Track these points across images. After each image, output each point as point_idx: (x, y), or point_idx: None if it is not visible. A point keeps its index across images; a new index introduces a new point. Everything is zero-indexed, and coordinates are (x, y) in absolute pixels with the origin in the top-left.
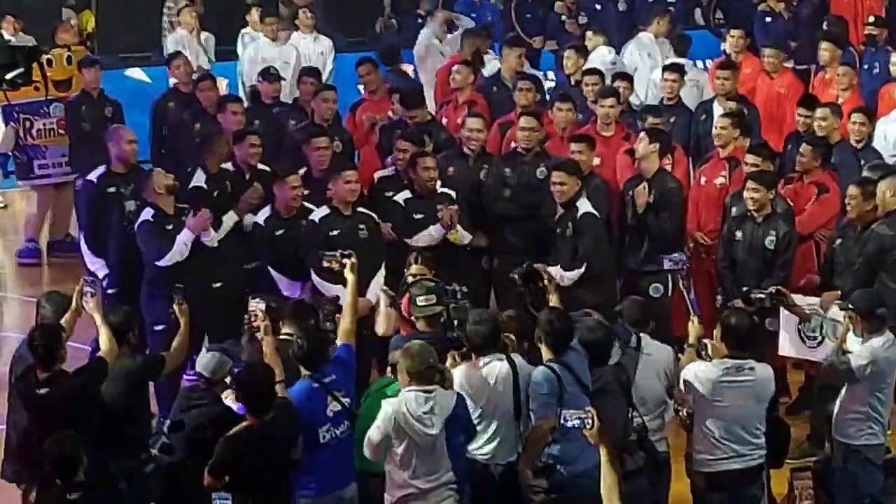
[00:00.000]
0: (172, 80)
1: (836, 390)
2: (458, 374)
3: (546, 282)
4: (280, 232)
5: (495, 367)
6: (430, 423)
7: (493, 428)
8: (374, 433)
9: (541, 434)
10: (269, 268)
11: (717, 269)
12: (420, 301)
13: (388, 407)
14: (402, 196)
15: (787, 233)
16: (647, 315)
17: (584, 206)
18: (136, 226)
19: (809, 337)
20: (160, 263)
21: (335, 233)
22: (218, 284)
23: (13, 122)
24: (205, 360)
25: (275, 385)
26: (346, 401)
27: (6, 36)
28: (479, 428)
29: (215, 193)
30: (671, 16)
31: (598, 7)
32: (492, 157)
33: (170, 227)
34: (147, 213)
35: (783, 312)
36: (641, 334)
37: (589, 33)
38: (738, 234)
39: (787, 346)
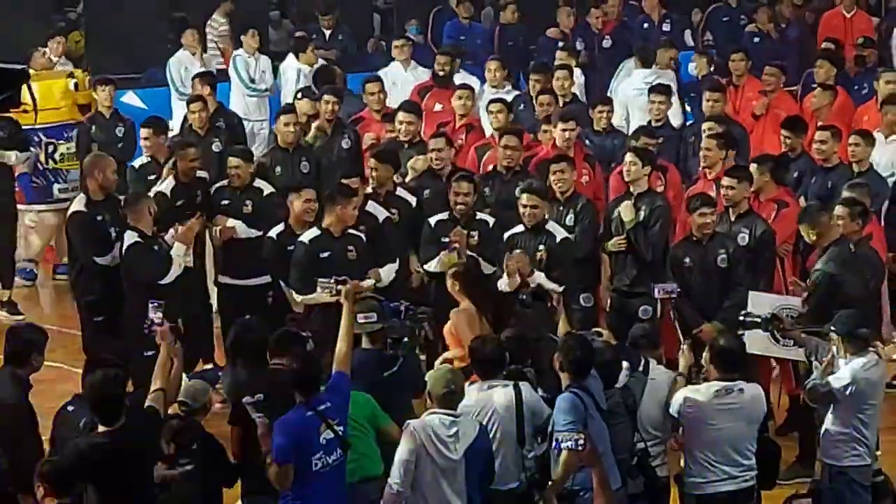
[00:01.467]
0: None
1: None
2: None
3: (555, 303)
4: (292, 247)
5: (500, 393)
6: (453, 447)
7: (495, 454)
8: (402, 452)
9: (572, 462)
10: (280, 282)
11: None
12: (360, 318)
13: (412, 426)
14: (435, 218)
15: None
16: (655, 340)
17: (558, 229)
18: (124, 250)
19: (784, 337)
20: (163, 281)
21: (325, 255)
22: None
23: (34, 147)
24: (186, 388)
25: (124, 392)
26: (339, 429)
27: (53, 58)
28: None
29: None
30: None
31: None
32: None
33: (156, 247)
34: (132, 236)
35: (753, 305)
36: (650, 359)
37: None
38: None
39: (757, 343)
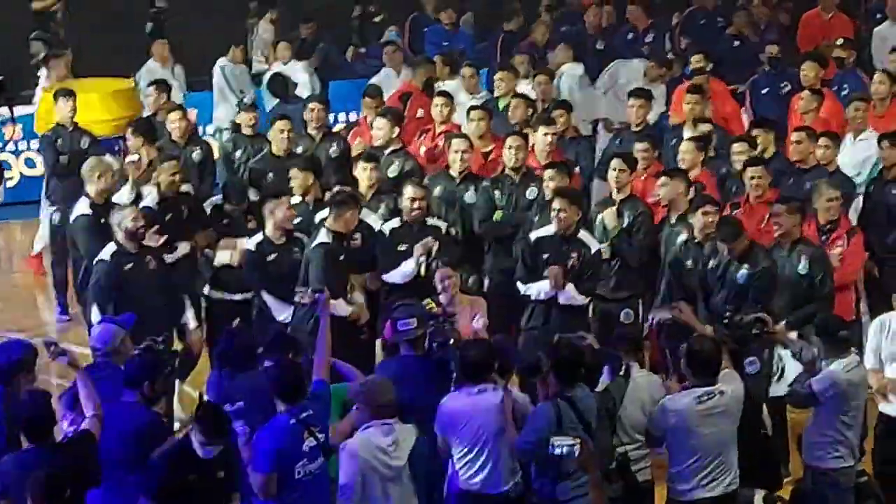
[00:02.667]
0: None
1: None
2: (451, 399)
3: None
4: (272, 257)
5: (489, 396)
6: (396, 455)
7: (484, 457)
8: (346, 476)
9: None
10: (263, 292)
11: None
12: (400, 326)
13: (351, 447)
14: (389, 225)
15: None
16: (636, 343)
17: (591, 241)
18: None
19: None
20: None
21: (272, 257)
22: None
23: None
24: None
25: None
26: (321, 436)
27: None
28: (470, 457)
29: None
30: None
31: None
32: (479, 178)
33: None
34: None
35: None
36: (632, 362)
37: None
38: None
39: None
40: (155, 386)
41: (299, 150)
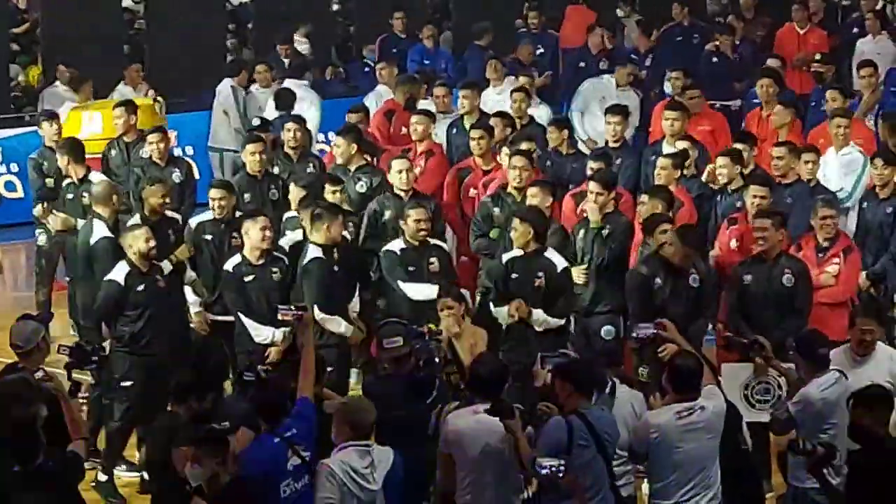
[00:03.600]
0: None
1: None
2: (454, 418)
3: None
4: (250, 278)
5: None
6: (372, 478)
7: (488, 478)
8: (323, 498)
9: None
10: (239, 314)
11: None
12: (386, 343)
13: (328, 468)
14: (396, 246)
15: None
16: (617, 359)
17: (558, 259)
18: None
19: (759, 401)
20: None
21: (249, 279)
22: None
23: None
24: (16, 329)
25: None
26: (306, 455)
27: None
28: (472, 478)
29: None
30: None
31: (582, 64)
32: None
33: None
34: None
35: (724, 377)
36: (616, 379)
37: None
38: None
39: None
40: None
41: (276, 170)
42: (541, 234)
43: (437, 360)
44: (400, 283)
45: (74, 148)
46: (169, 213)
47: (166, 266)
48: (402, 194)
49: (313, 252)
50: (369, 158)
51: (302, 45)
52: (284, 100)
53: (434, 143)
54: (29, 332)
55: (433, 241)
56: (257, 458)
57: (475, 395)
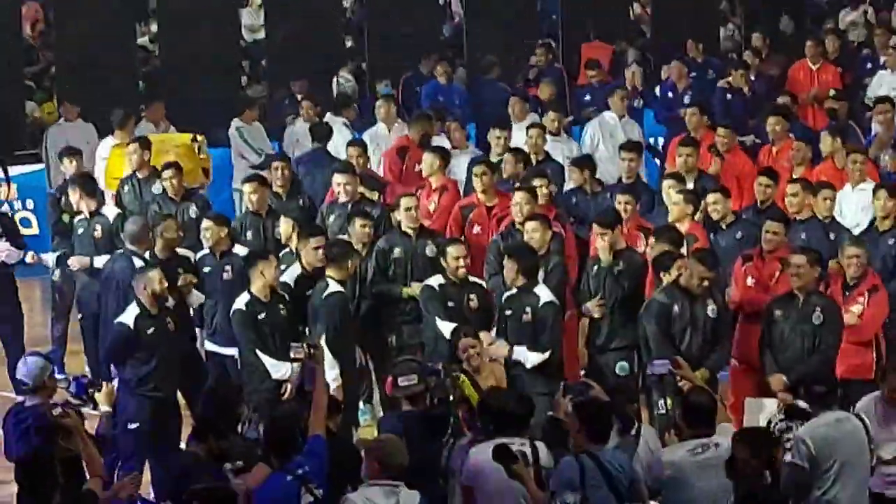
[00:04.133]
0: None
1: None
2: (475, 453)
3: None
4: (262, 315)
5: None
6: None
7: None
8: None
9: None
10: (257, 351)
11: None
12: (402, 381)
13: (354, 499)
14: (435, 281)
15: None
16: (631, 395)
17: (544, 293)
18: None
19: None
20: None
21: (262, 316)
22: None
23: None
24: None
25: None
26: (318, 492)
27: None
28: None
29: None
30: (627, 93)
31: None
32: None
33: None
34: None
35: (747, 412)
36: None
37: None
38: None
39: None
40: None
41: (273, 205)
42: (528, 269)
43: (451, 397)
44: (437, 319)
45: (86, 182)
46: (180, 251)
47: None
48: (410, 232)
49: (333, 287)
50: (367, 194)
51: (347, 81)
52: (320, 133)
53: (448, 179)
54: (35, 370)
55: (473, 278)
56: (270, 497)
57: (494, 428)
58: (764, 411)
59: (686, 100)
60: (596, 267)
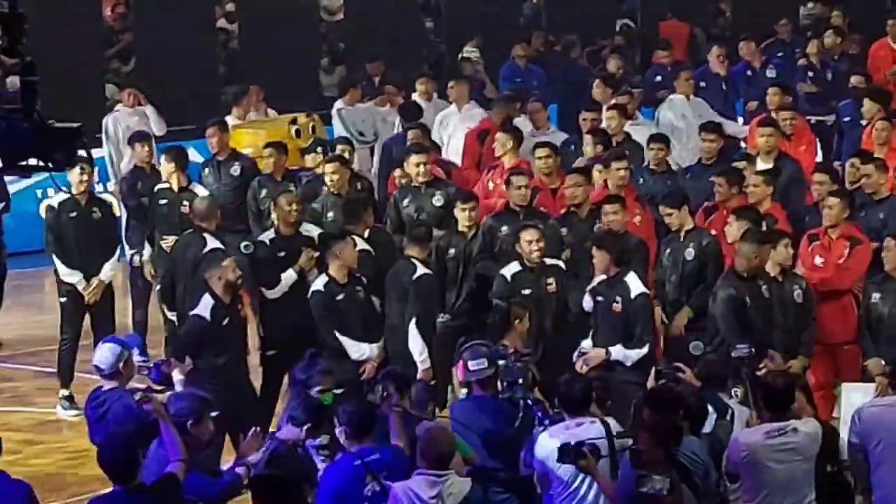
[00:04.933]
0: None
1: None
2: (550, 434)
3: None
4: (341, 297)
5: (589, 430)
6: None
7: (584, 491)
8: None
9: None
10: (337, 333)
11: None
12: (472, 365)
13: (394, 492)
14: (509, 270)
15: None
16: (721, 377)
17: (635, 283)
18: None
19: None
20: None
21: (340, 297)
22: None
23: None
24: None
25: (135, 453)
26: (386, 483)
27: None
28: (570, 490)
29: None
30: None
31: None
32: (546, 215)
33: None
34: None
35: (844, 398)
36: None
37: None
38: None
39: None
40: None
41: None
42: (621, 257)
43: (520, 381)
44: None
45: (181, 156)
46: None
47: (290, 276)
48: (519, 209)
49: (421, 269)
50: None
51: (474, 56)
52: (411, 113)
53: (522, 159)
54: (110, 356)
55: (549, 261)
56: (335, 478)
57: (565, 410)
58: (863, 396)
59: (770, 73)
60: (668, 249)
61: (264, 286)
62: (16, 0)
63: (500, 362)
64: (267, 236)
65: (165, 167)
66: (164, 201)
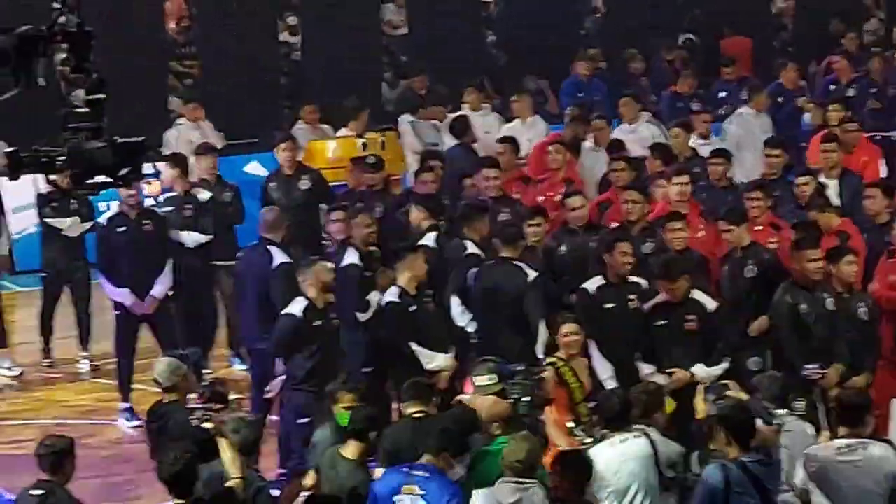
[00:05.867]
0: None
1: None
2: (598, 452)
3: None
4: (413, 308)
5: (632, 445)
6: None
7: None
8: None
9: None
10: (412, 344)
11: None
12: (479, 381)
13: (479, 496)
14: (593, 284)
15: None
16: (786, 392)
17: (706, 300)
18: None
19: None
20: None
21: (413, 308)
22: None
23: None
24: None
25: (193, 468)
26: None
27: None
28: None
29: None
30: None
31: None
32: (600, 228)
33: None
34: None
35: (893, 416)
36: (781, 413)
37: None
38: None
39: None
40: None
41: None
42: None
43: (529, 398)
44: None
45: (183, 161)
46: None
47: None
48: (578, 228)
49: (532, 272)
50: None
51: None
52: (460, 127)
53: (574, 173)
54: (168, 370)
55: (631, 277)
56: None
57: (610, 427)
58: None
59: (852, 91)
60: (725, 265)
61: (356, 309)
62: (83, 18)
63: (510, 380)
64: (350, 259)
65: (171, 174)
66: (170, 207)
